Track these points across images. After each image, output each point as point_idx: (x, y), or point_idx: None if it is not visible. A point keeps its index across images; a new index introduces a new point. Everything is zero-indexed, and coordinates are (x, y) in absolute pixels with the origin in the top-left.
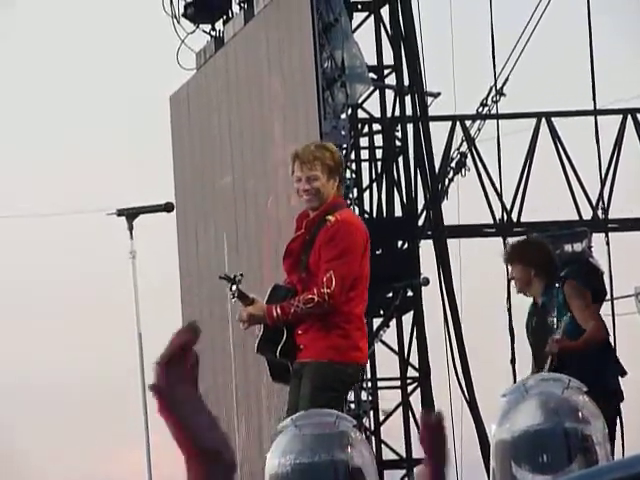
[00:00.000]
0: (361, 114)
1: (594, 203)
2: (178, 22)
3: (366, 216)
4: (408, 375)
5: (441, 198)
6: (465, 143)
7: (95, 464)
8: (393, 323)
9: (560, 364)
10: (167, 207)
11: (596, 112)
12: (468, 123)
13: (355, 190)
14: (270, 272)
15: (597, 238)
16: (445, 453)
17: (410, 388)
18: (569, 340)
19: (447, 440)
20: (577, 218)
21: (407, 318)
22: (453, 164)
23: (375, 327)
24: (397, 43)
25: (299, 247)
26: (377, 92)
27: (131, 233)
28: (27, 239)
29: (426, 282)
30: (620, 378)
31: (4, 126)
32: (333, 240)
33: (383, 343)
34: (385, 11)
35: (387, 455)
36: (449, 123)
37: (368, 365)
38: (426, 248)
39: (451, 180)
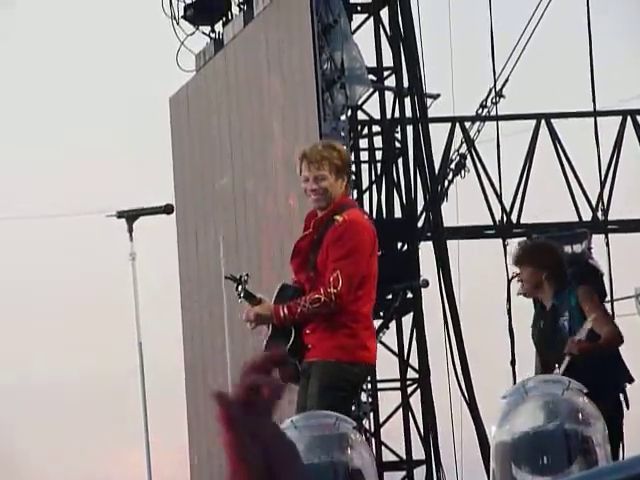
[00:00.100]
0: (361, 116)
1: (594, 204)
2: (178, 24)
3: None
4: (408, 377)
5: (441, 199)
6: (465, 144)
7: (95, 464)
8: (393, 325)
9: (571, 366)
10: (167, 209)
11: (596, 113)
12: (468, 125)
13: (355, 191)
14: (269, 272)
15: (597, 239)
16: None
17: (410, 390)
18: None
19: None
20: (577, 219)
21: (407, 320)
22: (453, 165)
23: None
24: (396, 45)
25: (307, 246)
26: (377, 94)
27: (131, 235)
28: (27, 239)
29: (426, 284)
30: (628, 385)
31: (4, 126)
32: (340, 240)
33: (383, 345)
34: (384, 13)
35: (387, 457)
36: (449, 125)
37: None
38: (426, 250)
39: (451, 182)
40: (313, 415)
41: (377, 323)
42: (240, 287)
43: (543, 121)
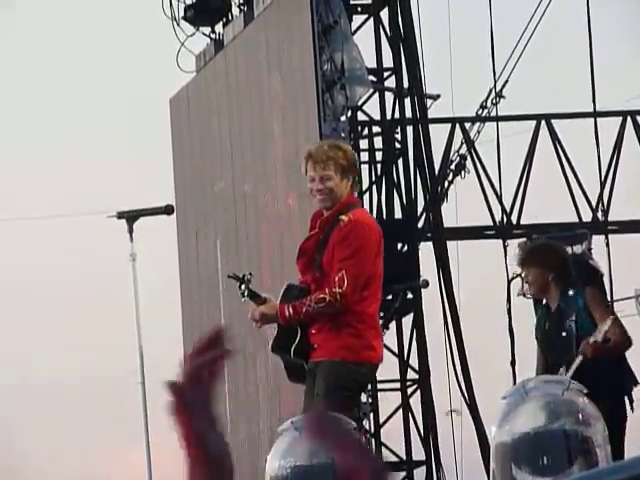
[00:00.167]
0: (361, 116)
1: (594, 205)
2: (178, 25)
3: None
4: (408, 377)
5: (441, 200)
6: (465, 145)
7: (95, 464)
8: (393, 325)
9: (582, 367)
10: (167, 210)
11: (596, 114)
12: (468, 125)
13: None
14: (269, 273)
15: (597, 240)
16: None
17: (410, 390)
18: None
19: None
20: (577, 220)
21: (407, 320)
22: (453, 166)
23: None
24: (396, 45)
25: (313, 246)
26: (377, 94)
27: (131, 236)
28: (27, 239)
29: (426, 284)
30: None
31: (4, 126)
32: (346, 240)
33: (383, 345)
34: (385, 13)
35: (387, 457)
36: (449, 125)
37: None
38: (426, 250)
39: (451, 182)
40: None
41: None
42: (243, 286)
43: (543, 122)
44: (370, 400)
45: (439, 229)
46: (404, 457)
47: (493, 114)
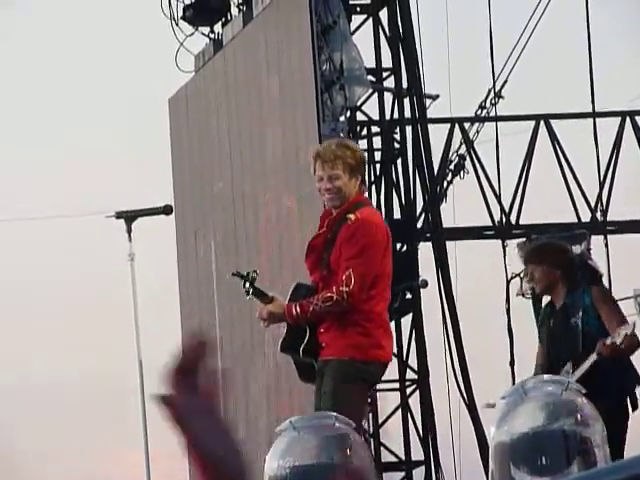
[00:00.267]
0: (360, 117)
1: (593, 205)
2: (177, 25)
3: None
4: (407, 377)
5: (440, 200)
6: (464, 145)
7: (95, 464)
8: (392, 325)
9: (596, 366)
10: (166, 210)
11: (595, 114)
12: (467, 125)
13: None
14: (269, 273)
15: (596, 240)
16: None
17: (409, 390)
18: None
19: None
20: (576, 220)
21: (406, 320)
22: (452, 166)
23: None
24: (395, 45)
25: (321, 245)
26: (376, 94)
27: (130, 236)
28: (27, 239)
29: (425, 284)
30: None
31: (4, 126)
32: (353, 238)
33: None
34: (384, 14)
35: (386, 457)
36: (448, 125)
37: None
38: (425, 250)
39: (450, 182)
40: (312, 416)
41: None
42: (248, 284)
43: (542, 122)
44: (369, 400)
45: (438, 229)
46: (403, 457)
47: (492, 114)
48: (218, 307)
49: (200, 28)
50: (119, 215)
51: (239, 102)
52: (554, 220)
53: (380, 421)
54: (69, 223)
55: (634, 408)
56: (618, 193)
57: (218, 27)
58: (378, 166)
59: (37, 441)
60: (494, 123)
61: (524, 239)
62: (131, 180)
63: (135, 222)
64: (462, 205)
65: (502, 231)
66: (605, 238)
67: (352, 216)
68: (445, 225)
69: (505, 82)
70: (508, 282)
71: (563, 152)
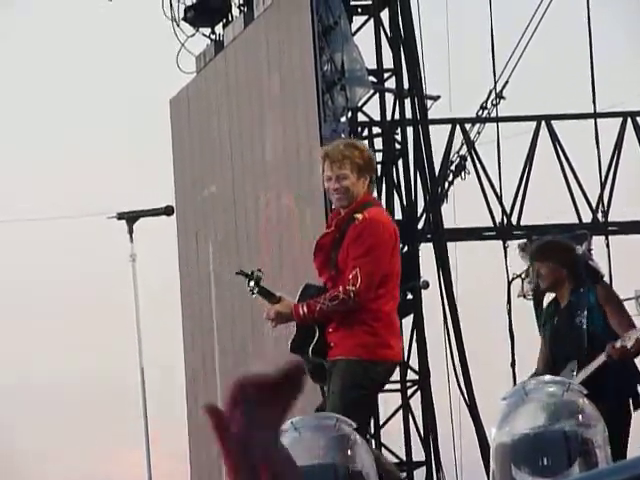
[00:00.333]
0: (361, 117)
1: (594, 206)
2: (178, 26)
3: None
4: (408, 378)
5: (441, 201)
6: (465, 146)
7: (95, 464)
8: None
9: (604, 367)
10: (167, 210)
11: (596, 115)
12: (468, 126)
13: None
14: (269, 273)
15: (597, 241)
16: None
17: (410, 391)
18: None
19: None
20: (577, 221)
21: (407, 321)
22: (453, 167)
23: None
24: (397, 46)
25: (329, 245)
26: (377, 95)
27: (131, 236)
28: (27, 239)
29: (426, 285)
30: None
31: (4, 126)
32: (360, 237)
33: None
34: (385, 14)
35: (387, 458)
36: (449, 126)
37: None
38: (426, 251)
39: (451, 183)
40: (313, 416)
41: None
42: (252, 283)
43: (543, 123)
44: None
45: (439, 230)
46: (404, 458)
47: (493, 115)
48: (215, 308)
49: (201, 29)
50: (120, 216)
51: (240, 103)
52: (555, 221)
53: (381, 422)
54: (70, 223)
55: (636, 408)
56: (619, 194)
57: (219, 28)
58: (379, 167)
59: (37, 441)
60: (495, 124)
61: (525, 240)
62: (132, 181)
63: (136, 223)
64: (463, 206)
65: (503, 232)
66: (606, 239)
67: (359, 216)
68: (446, 226)
69: (506, 83)
70: (509, 283)
71: (564, 153)
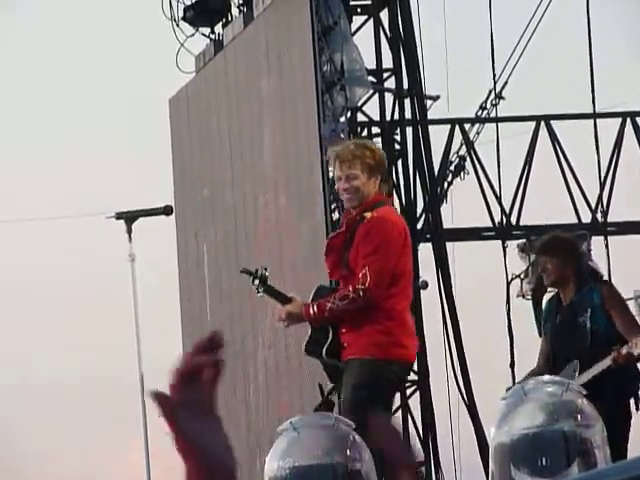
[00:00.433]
0: (360, 117)
1: (593, 206)
2: (177, 25)
3: None
4: (407, 378)
5: (440, 201)
6: (464, 146)
7: (95, 464)
8: None
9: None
10: (166, 210)
11: (595, 115)
12: (467, 126)
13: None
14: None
15: (596, 241)
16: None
17: (409, 391)
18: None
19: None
20: (576, 221)
21: None
22: (452, 167)
23: None
24: (396, 46)
25: (340, 245)
26: (376, 95)
27: (130, 236)
28: (27, 239)
29: (425, 285)
30: None
31: (4, 126)
32: (368, 235)
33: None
34: (384, 14)
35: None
36: (448, 126)
37: None
38: (425, 251)
39: (450, 183)
40: (312, 416)
41: None
42: (257, 281)
43: (543, 123)
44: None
45: (438, 230)
46: None
47: (493, 115)
48: (210, 309)
49: (201, 29)
50: (119, 216)
51: (239, 103)
52: (555, 221)
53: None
54: (69, 223)
55: (638, 409)
56: (619, 194)
57: (219, 28)
58: None
59: (37, 441)
60: (494, 124)
61: (524, 240)
62: (131, 180)
63: (135, 223)
64: (462, 206)
65: (502, 232)
66: (605, 239)
67: (368, 215)
68: (445, 226)
69: (505, 83)
70: (508, 283)
71: (564, 153)
